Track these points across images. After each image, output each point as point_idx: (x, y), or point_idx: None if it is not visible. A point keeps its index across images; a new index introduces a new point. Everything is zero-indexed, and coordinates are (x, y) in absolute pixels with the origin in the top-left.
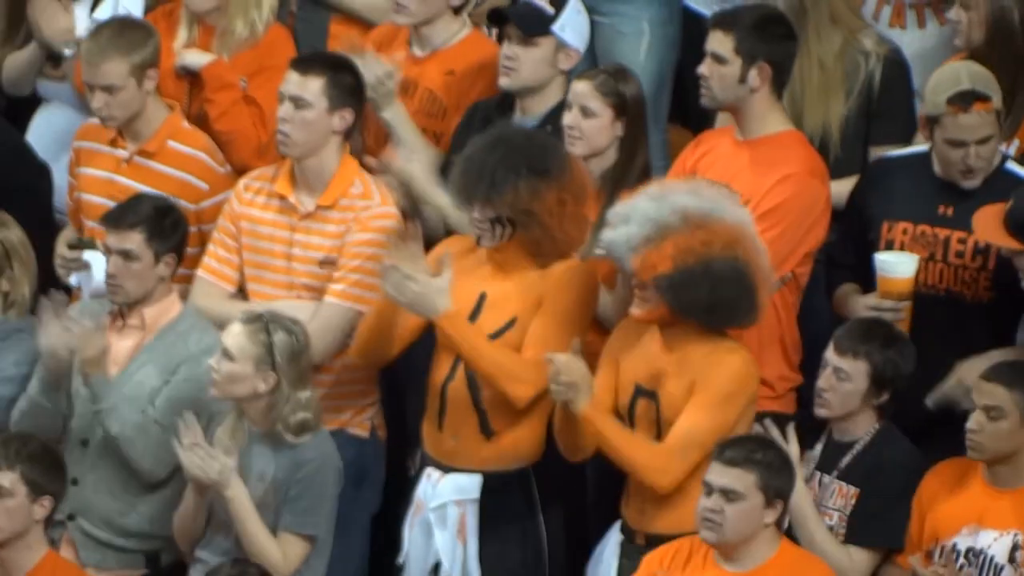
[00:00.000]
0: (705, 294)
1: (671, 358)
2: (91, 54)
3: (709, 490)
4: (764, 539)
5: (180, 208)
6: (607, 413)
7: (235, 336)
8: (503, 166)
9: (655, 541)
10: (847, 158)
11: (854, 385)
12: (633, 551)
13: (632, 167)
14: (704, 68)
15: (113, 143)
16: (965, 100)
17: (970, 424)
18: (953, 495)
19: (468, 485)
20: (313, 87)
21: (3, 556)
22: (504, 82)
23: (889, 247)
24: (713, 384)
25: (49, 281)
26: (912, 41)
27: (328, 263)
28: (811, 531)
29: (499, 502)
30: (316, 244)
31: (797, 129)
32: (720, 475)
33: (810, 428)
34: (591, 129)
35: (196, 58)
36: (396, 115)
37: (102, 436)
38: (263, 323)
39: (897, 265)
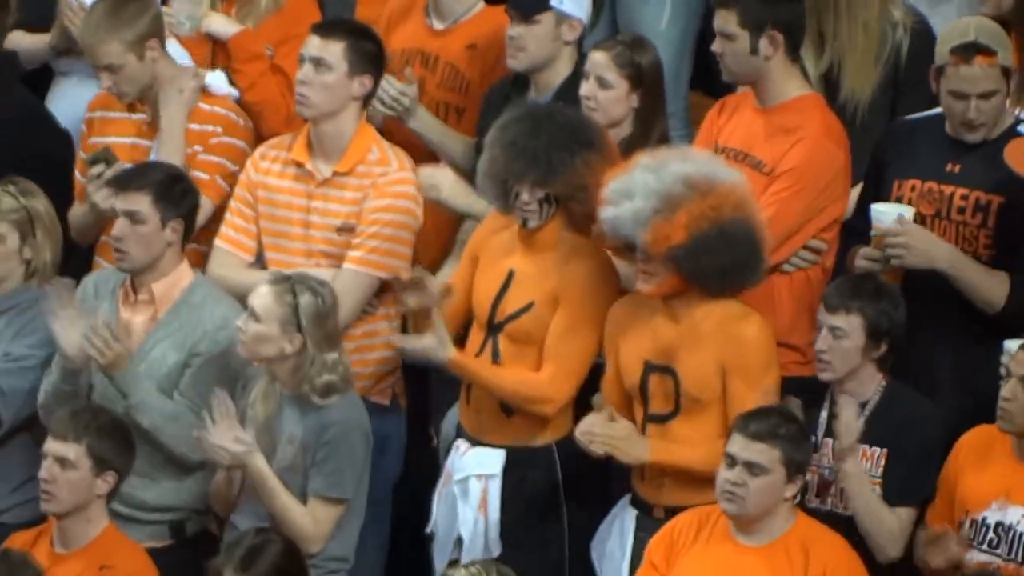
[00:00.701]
0: (724, 259)
1: (680, 330)
2: (86, 36)
3: (732, 462)
4: (781, 513)
5: (191, 179)
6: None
7: (262, 297)
8: (555, 146)
9: (674, 512)
10: (871, 126)
11: (852, 341)
12: (650, 524)
13: (648, 139)
14: (716, 45)
15: (131, 108)
16: (967, 51)
17: (1004, 392)
18: (982, 468)
19: (490, 459)
20: (334, 50)
21: (63, 525)
22: (512, 63)
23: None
24: (749, 363)
25: (70, 250)
26: (938, 12)
27: (346, 230)
28: (867, 499)
29: (521, 477)
30: (334, 211)
31: (816, 92)
32: (744, 448)
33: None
34: (607, 100)
35: (223, 26)
36: (422, 123)
37: (123, 413)
38: (290, 284)
39: (889, 214)
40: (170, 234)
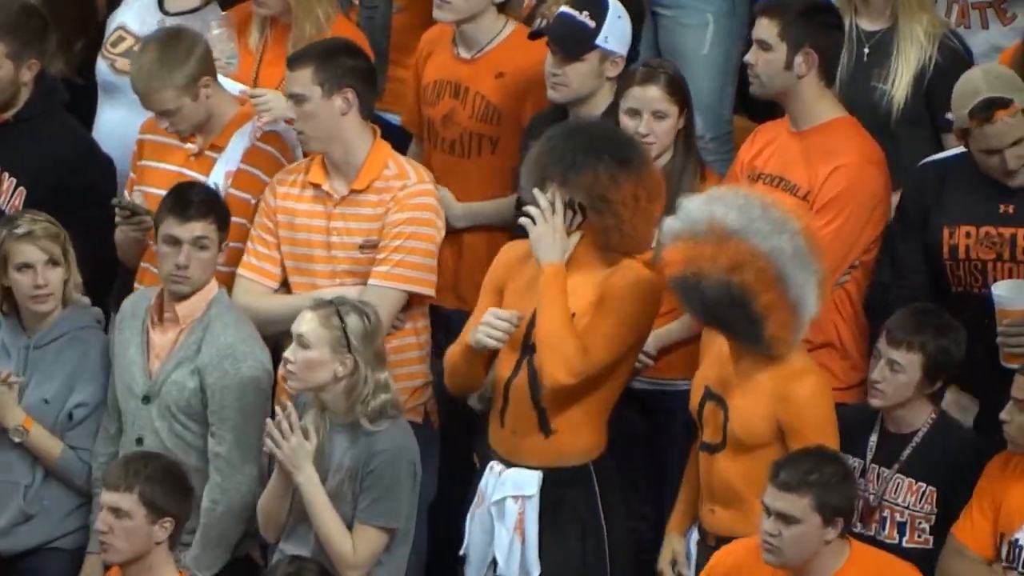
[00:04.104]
0: (698, 308)
1: (737, 368)
2: (138, 84)
3: (768, 512)
4: (829, 553)
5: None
6: None
7: (308, 322)
8: (583, 150)
9: (723, 543)
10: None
11: (908, 376)
12: (705, 550)
13: (691, 154)
14: (751, 56)
15: (182, 137)
16: (986, 111)
17: (1002, 415)
18: (1016, 487)
19: (527, 481)
20: (303, 79)
21: (127, 573)
22: (553, 96)
23: (953, 252)
24: (802, 424)
25: (121, 278)
26: (978, 42)
27: (368, 246)
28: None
29: (559, 498)
30: (355, 228)
31: (850, 116)
32: (775, 499)
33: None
34: (663, 131)
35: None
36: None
37: (155, 433)
38: (334, 308)
39: (1016, 297)
40: (221, 256)
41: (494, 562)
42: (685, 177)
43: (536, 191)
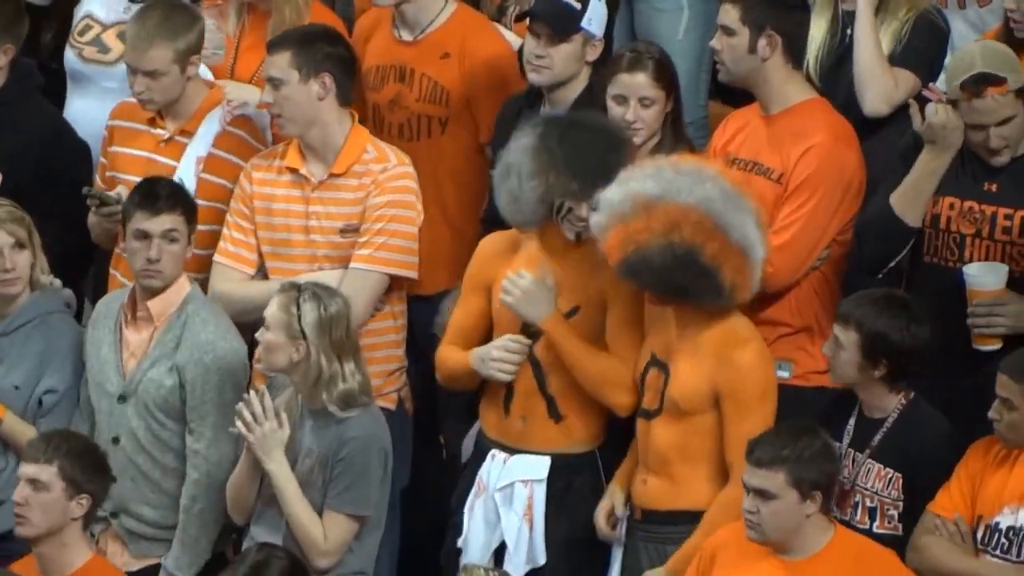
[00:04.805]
0: (651, 281)
1: (682, 334)
2: (137, 39)
3: (746, 490)
4: (812, 528)
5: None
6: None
7: (271, 306)
8: (615, 160)
9: (652, 517)
10: None
11: (848, 354)
12: (631, 525)
13: (680, 139)
14: (715, 42)
15: (152, 123)
16: (977, 85)
17: (991, 413)
18: (997, 473)
19: (536, 465)
20: (281, 63)
21: (41, 552)
22: (535, 79)
23: (935, 221)
24: (742, 391)
25: (97, 262)
26: (955, 23)
27: (349, 230)
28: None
29: (567, 483)
30: (334, 213)
31: (819, 96)
32: (751, 475)
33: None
34: (651, 117)
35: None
36: None
37: (131, 433)
38: (295, 293)
39: (986, 278)
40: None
41: (498, 552)
42: None
43: (509, 280)
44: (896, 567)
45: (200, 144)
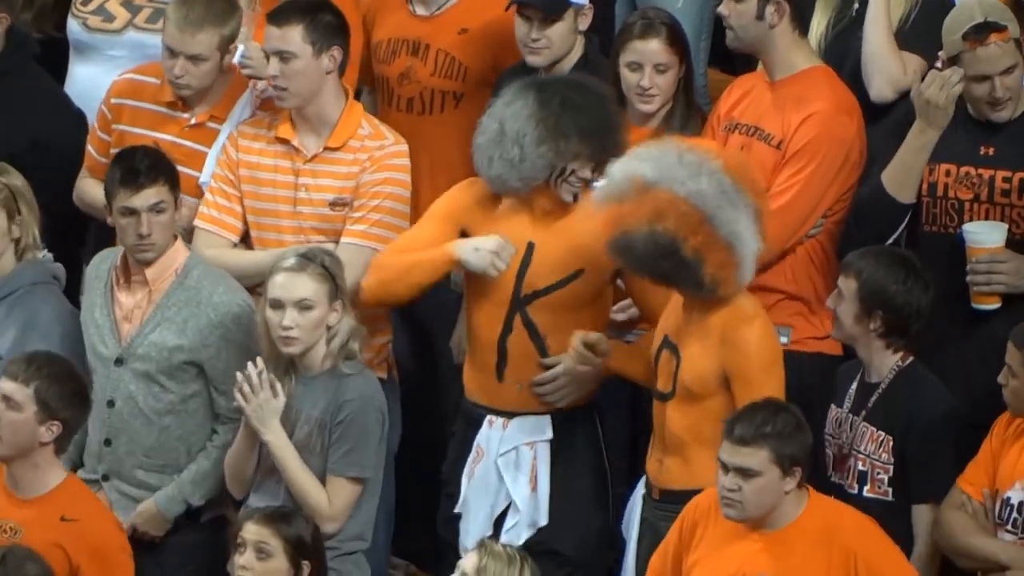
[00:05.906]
0: (635, 266)
1: (692, 316)
2: (185, 22)
3: (724, 468)
4: (789, 502)
5: None
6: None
7: (305, 284)
8: (616, 120)
9: (669, 496)
10: None
11: (847, 305)
12: (652, 504)
13: (692, 105)
14: (723, 7)
15: (172, 106)
16: (980, 33)
17: (999, 377)
18: (1014, 447)
19: (539, 425)
20: (293, 36)
21: (12, 470)
22: (535, 61)
23: (932, 189)
24: (749, 368)
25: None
26: None
27: (340, 204)
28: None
29: (569, 439)
30: (325, 186)
31: (824, 64)
32: (732, 454)
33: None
34: (666, 84)
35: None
36: None
37: (128, 396)
38: (318, 261)
39: (986, 235)
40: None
41: (501, 517)
42: (691, 125)
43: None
44: (871, 532)
45: (231, 128)
